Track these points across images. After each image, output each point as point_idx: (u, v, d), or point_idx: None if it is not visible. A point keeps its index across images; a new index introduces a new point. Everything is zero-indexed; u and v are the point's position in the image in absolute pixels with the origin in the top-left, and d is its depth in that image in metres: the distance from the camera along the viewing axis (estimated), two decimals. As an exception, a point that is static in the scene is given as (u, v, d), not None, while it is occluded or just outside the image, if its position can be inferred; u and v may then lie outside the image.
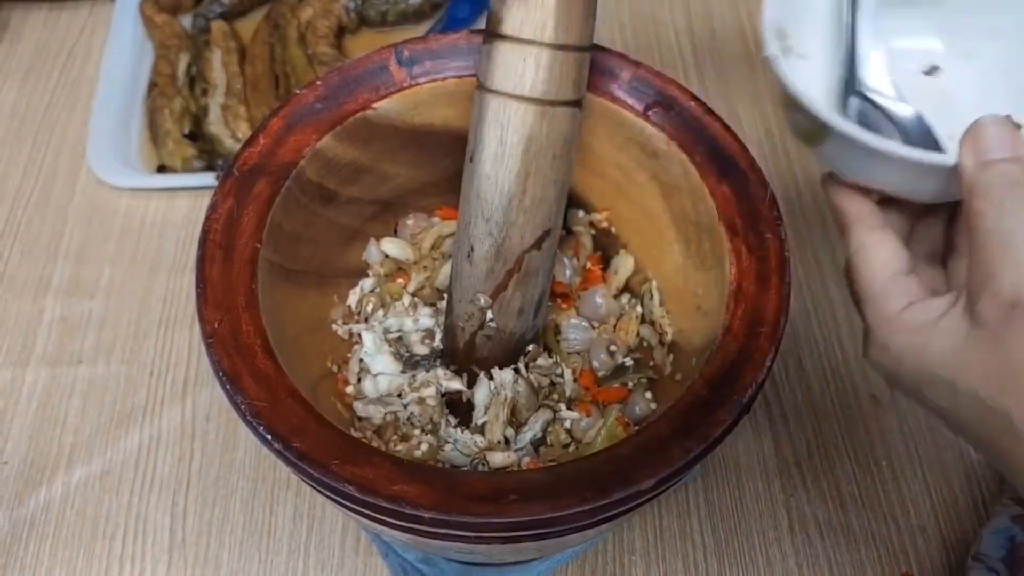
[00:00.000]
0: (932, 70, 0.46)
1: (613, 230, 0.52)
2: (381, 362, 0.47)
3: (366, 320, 0.50)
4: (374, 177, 0.49)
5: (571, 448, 0.46)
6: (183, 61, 0.74)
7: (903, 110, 0.43)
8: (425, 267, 0.51)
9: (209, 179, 0.66)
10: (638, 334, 0.50)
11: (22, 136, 0.72)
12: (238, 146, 0.45)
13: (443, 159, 0.49)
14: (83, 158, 0.69)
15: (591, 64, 0.42)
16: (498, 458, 0.44)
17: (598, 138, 0.47)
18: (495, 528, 0.34)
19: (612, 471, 0.34)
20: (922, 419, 0.57)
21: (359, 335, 0.48)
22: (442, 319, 0.48)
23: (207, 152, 0.70)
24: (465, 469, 0.44)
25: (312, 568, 0.52)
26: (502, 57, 0.39)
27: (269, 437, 0.35)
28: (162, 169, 0.69)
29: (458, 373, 0.47)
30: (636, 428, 0.44)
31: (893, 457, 0.56)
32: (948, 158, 0.36)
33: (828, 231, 0.66)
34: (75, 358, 0.60)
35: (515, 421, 0.46)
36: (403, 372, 0.48)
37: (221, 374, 0.37)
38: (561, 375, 0.47)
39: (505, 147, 0.40)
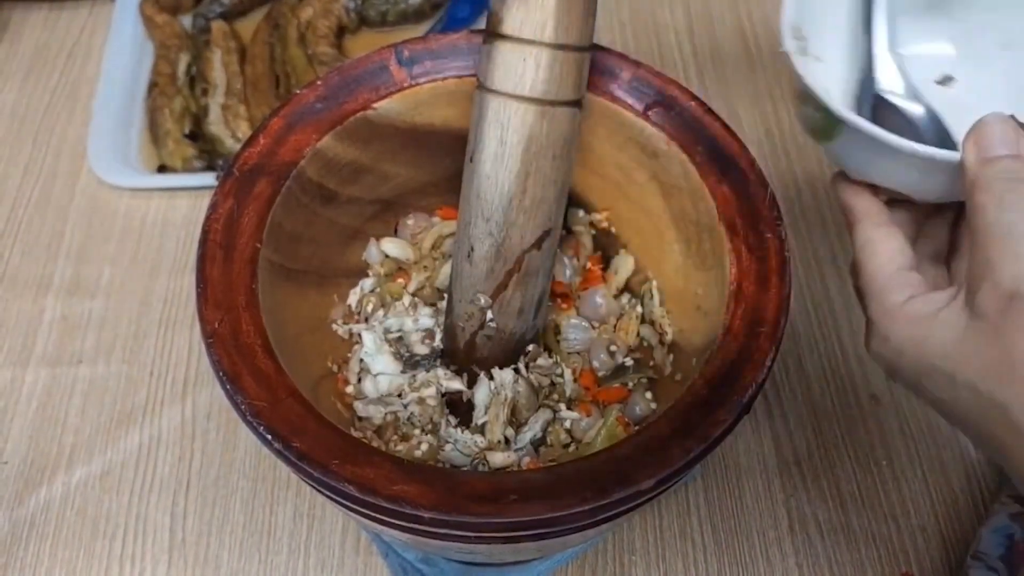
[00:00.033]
0: (945, 80, 0.46)
1: (613, 230, 0.52)
2: (381, 362, 0.47)
3: (366, 320, 0.50)
4: (374, 177, 0.49)
5: (571, 448, 0.46)
6: (183, 61, 0.74)
7: (917, 109, 0.43)
8: (425, 267, 0.51)
9: (209, 179, 0.66)
10: (638, 334, 0.50)
11: (22, 136, 0.72)
12: (238, 146, 0.45)
13: (443, 159, 0.49)
14: (83, 158, 0.69)
15: (591, 64, 0.42)
16: (498, 458, 0.44)
17: (598, 138, 0.47)
18: (495, 528, 0.34)
19: (612, 471, 0.34)
20: (922, 419, 0.57)
21: (359, 335, 0.48)
22: (442, 319, 0.48)
23: (207, 152, 0.70)
24: (465, 469, 0.44)
25: (312, 568, 0.52)
26: (502, 57, 0.39)
27: (269, 437, 0.35)
28: (162, 169, 0.69)
29: (458, 373, 0.47)
30: (636, 428, 0.44)
31: (893, 457, 0.56)
32: (955, 154, 0.36)
33: (828, 231, 0.66)
34: (75, 358, 0.60)
35: (515, 421, 0.46)
36: (403, 372, 0.48)
37: (221, 374, 0.37)
38: (561, 375, 0.47)
39: (505, 147, 0.40)
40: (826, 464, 0.56)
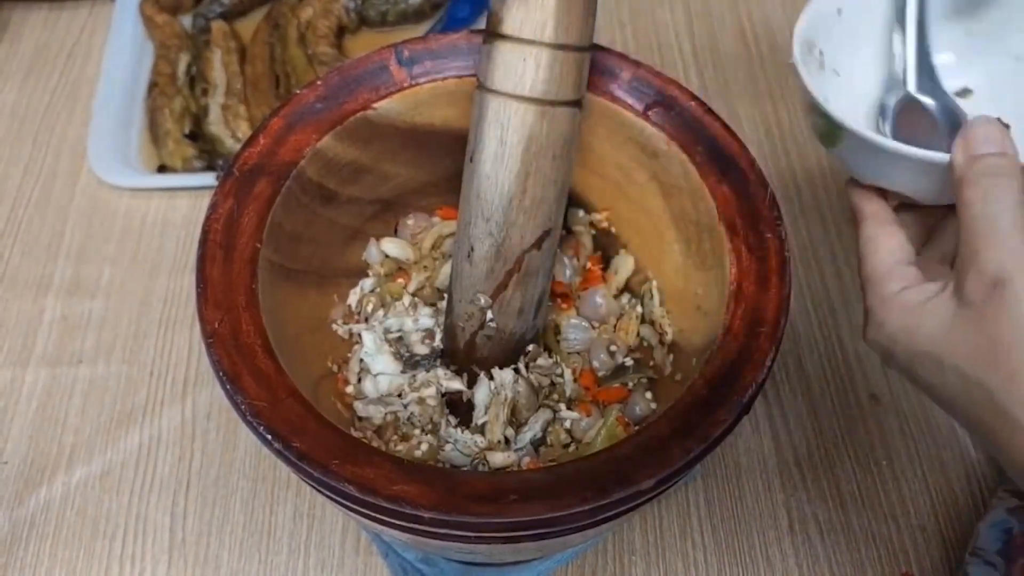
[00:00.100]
0: (964, 92, 0.47)
1: (613, 230, 0.52)
2: (381, 362, 0.47)
3: (366, 320, 0.50)
4: (374, 177, 0.49)
5: (571, 448, 0.46)
6: (183, 61, 0.74)
7: (943, 111, 0.44)
8: (425, 267, 0.51)
9: (209, 179, 0.66)
10: (638, 334, 0.50)
11: (22, 136, 0.72)
12: (238, 146, 0.45)
13: (443, 159, 0.49)
14: (83, 158, 0.69)
15: (591, 64, 0.42)
16: (498, 458, 0.44)
17: (598, 138, 0.47)
18: (495, 528, 0.34)
19: (612, 471, 0.34)
20: (922, 419, 0.57)
21: (359, 335, 0.48)
22: (442, 319, 0.48)
23: (207, 152, 0.70)
24: (465, 469, 0.44)
25: (312, 568, 0.52)
26: (502, 57, 0.39)
27: (269, 437, 0.35)
28: (162, 169, 0.69)
29: (458, 373, 0.47)
30: (636, 428, 0.44)
31: (893, 457, 0.56)
32: (947, 156, 0.37)
33: (828, 231, 0.66)
34: (75, 358, 0.60)
35: (515, 421, 0.46)
36: (403, 372, 0.48)
37: (221, 374, 0.37)
38: (561, 375, 0.47)
39: (505, 147, 0.40)
40: (826, 464, 0.56)
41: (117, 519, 0.54)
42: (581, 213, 0.52)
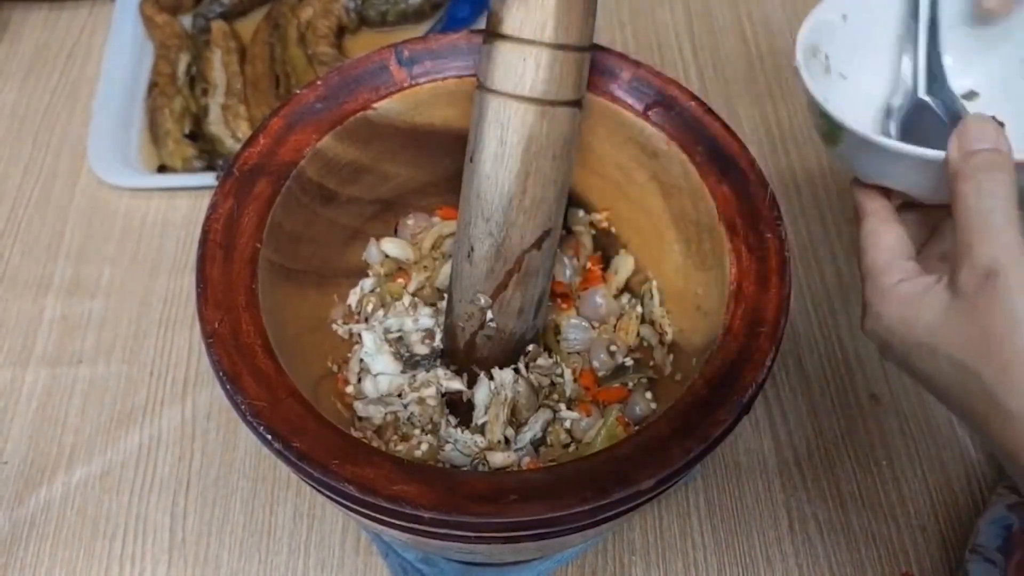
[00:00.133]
0: (970, 95, 0.48)
1: (613, 230, 0.52)
2: (381, 362, 0.47)
3: (366, 320, 0.50)
4: (374, 177, 0.49)
5: (571, 448, 0.46)
6: (183, 61, 0.74)
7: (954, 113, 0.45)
8: (425, 267, 0.51)
9: (209, 179, 0.66)
10: (638, 334, 0.50)
11: (22, 136, 0.72)
12: (238, 146, 0.45)
13: (443, 159, 0.49)
14: (83, 158, 0.69)
15: (591, 64, 0.42)
16: (498, 458, 0.44)
17: (598, 138, 0.47)
18: (495, 528, 0.34)
19: (612, 471, 0.34)
20: (922, 419, 0.57)
21: (359, 335, 0.48)
22: (442, 319, 0.48)
23: (207, 152, 0.70)
24: (465, 469, 0.44)
25: (312, 568, 0.52)
26: (502, 57, 0.39)
27: (269, 437, 0.35)
28: (162, 169, 0.69)
29: (458, 373, 0.47)
30: (636, 428, 0.44)
31: (893, 457, 0.56)
32: (943, 153, 0.38)
33: (828, 231, 0.66)
34: (75, 358, 0.60)
35: (515, 421, 0.46)
36: (403, 372, 0.48)
37: (221, 374, 0.37)
38: (561, 375, 0.47)
39: (505, 147, 0.40)
40: (826, 464, 0.56)
41: (117, 519, 0.54)
42: (581, 213, 0.52)
